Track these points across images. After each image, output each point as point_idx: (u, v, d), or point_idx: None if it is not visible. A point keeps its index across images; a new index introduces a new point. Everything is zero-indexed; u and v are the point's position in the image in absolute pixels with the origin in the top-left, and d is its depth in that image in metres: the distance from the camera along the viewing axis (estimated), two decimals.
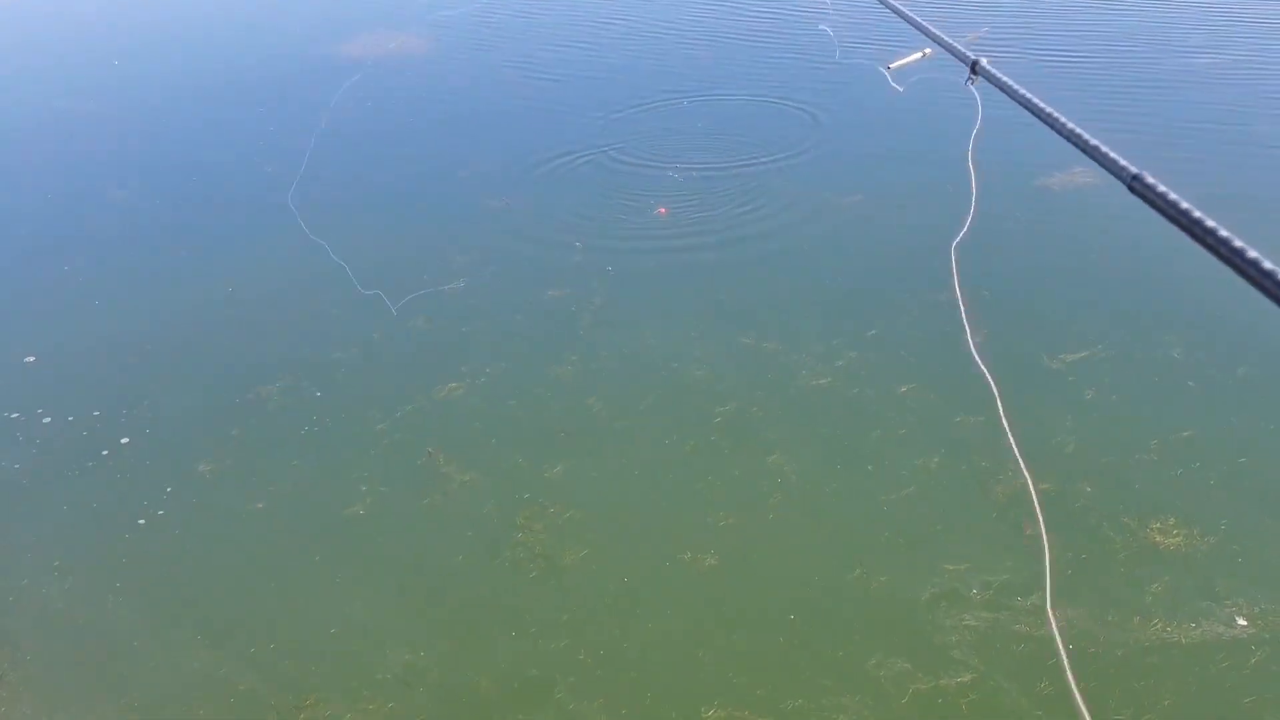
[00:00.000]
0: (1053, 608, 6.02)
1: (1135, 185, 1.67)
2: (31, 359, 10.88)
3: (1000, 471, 7.80)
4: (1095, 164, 1.83)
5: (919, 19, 3.09)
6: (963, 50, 2.69)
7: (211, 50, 22.66)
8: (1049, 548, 6.98)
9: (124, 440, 9.39)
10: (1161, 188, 1.61)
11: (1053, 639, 6.07)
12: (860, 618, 6.68)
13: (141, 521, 8.35)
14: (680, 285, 11.26)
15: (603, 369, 9.80)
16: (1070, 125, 2.02)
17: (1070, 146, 1.96)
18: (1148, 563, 6.80)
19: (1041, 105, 2.21)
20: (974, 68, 2.62)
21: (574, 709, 6.42)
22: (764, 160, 14.11)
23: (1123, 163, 1.76)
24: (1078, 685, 2.67)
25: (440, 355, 10.24)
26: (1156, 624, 6.23)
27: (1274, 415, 8.30)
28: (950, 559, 7.10)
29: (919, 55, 19.07)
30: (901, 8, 3.25)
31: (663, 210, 12.79)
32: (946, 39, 2.82)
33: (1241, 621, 6.24)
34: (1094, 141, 1.87)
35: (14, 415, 9.90)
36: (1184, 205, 1.56)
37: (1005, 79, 2.41)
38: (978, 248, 11.35)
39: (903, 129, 14.78)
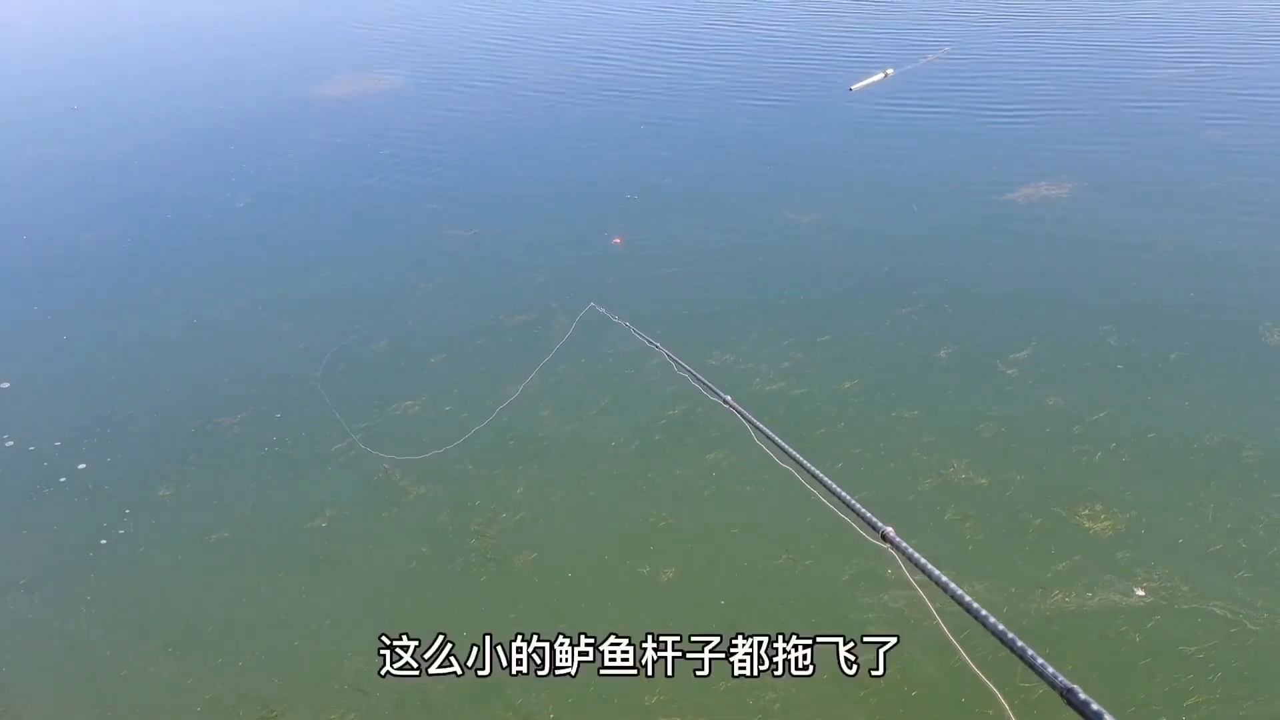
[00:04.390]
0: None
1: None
2: (6, 385, 11.22)
3: (934, 464, 8.18)
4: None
5: (835, 486, 3.20)
6: (873, 519, 2.85)
7: (183, 92, 23.07)
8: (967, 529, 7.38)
9: (81, 466, 9.67)
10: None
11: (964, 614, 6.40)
12: (786, 600, 7.01)
13: (104, 541, 8.64)
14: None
15: (558, 380, 10.13)
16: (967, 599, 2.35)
17: None
18: (1057, 539, 7.17)
19: (944, 579, 2.50)
20: (884, 537, 2.79)
21: (522, 703, 6.72)
22: None
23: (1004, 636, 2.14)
24: (971, 658, 3.05)
25: (398, 376, 10.60)
26: (1057, 595, 6.59)
27: (1190, 393, 8.67)
28: (869, 542, 7.37)
29: (881, 75, 19.36)
30: (819, 475, 3.37)
31: (618, 240, 13.25)
32: (860, 509, 2.95)
33: (1140, 591, 6.60)
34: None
35: None
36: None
37: (912, 552, 2.70)
38: (946, 259, 11.77)
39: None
